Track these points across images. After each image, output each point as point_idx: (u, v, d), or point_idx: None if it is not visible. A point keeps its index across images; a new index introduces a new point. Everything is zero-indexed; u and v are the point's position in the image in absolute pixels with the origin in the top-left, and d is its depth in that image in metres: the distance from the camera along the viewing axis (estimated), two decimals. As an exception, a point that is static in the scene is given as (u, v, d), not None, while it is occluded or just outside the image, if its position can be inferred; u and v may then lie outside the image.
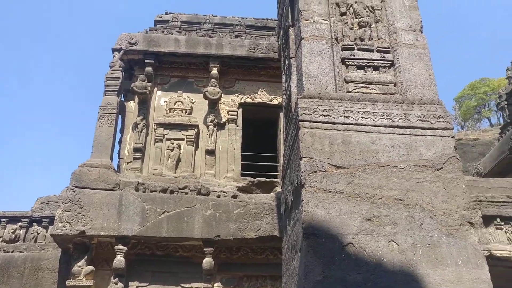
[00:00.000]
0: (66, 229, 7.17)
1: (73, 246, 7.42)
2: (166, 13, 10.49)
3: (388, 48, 5.30)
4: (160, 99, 9.32)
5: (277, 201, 7.62)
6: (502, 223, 6.40)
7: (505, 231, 6.42)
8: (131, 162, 8.63)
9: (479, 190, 6.66)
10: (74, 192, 7.47)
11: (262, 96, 9.47)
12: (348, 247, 4.00)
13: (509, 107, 15.02)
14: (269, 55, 9.35)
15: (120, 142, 8.98)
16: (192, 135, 8.86)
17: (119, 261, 7.33)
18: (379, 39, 5.38)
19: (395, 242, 4.07)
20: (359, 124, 4.70)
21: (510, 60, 15.88)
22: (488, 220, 6.32)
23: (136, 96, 9.08)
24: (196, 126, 8.97)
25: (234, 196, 7.87)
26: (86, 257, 7.38)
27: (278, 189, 8.14)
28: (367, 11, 5.56)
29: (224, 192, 7.96)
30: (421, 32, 5.47)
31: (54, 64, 52.70)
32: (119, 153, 8.91)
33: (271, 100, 9.42)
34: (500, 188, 6.81)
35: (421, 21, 5.55)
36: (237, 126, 9.24)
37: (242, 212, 7.68)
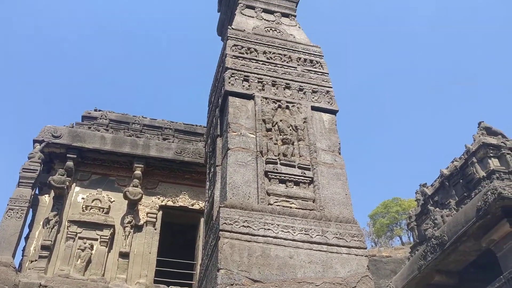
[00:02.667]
0: None
1: None
2: (95, 110, 10.49)
3: (309, 165, 5.58)
4: (78, 195, 8.96)
5: (190, 312, 7.27)
6: None
7: None
8: (36, 261, 7.99)
9: (391, 309, 6.79)
10: (-37, 292, 6.71)
11: (184, 200, 9.40)
12: None
13: (418, 228, 15.92)
14: (195, 159, 9.46)
15: (26, 238, 8.35)
16: (107, 236, 8.46)
17: None
18: (300, 156, 5.68)
19: None
20: (278, 238, 4.76)
21: (419, 184, 17.12)
22: None
23: (52, 191, 8.67)
24: (112, 226, 8.61)
25: (145, 305, 7.42)
26: None
27: (193, 299, 7.81)
28: (290, 130, 5.91)
29: (134, 299, 7.49)
30: (339, 154, 5.86)
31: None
32: (23, 250, 8.24)
33: (192, 205, 9.36)
34: (410, 308, 7.00)
35: (339, 143, 5.96)
36: (155, 230, 8.98)
37: (151, 323, 7.20)
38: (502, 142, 13.78)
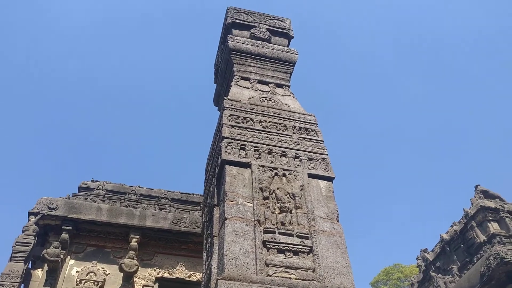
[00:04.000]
0: None
1: None
2: (92, 181, 10.49)
3: (307, 234, 5.51)
4: (72, 268, 8.75)
5: None
6: None
7: None
8: None
9: None
10: None
11: (180, 272, 9.19)
12: None
13: (421, 295, 15.49)
14: (192, 229, 9.35)
15: (16, 316, 8.05)
16: (101, 311, 8.18)
17: None
18: (299, 224, 5.62)
19: None
20: (278, 311, 4.61)
21: (419, 249, 16.88)
22: None
23: (45, 264, 8.48)
24: (107, 300, 8.36)
25: None
26: None
27: None
28: (288, 197, 5.89)
29: None
30: (338, 221, 5.81)
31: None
32: (13, 329, 7.92)
33: (189, 276, 9.15)
34: None
35: (337, 211, 5.93)
36: (152, 303, 8.71)
37: None
38: (500, 206, 13.76)
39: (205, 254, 6.56)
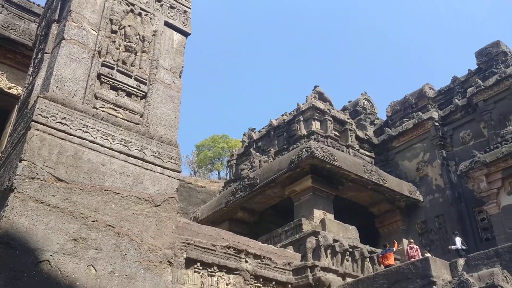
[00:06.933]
0: None
1: None
2: None
3: (146, 80, 5.43)
4: None
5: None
6: (201, 268, 6.99)
7: (201, 275, 7.02)
8: None
9: (190, 233, 7.17)
10: None
11: (1, 81, 8.43)
12: (43, 264, 3.77)
13: (237, 167, 16.90)
14: (24, 40, 8.48)
15: None
16: None
17: None
18: (140, 68, 5.48)
19: (94, 267, 4.02)
20: (95, 143, 4.60)
21: (248, 127, 18.03)
22: (190, 263, 6.81)
23: None
24: None
25: None
26: None
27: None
28: (137, 39, 5.64)
29: None
30: (180, 77, 5.81)
31: None
32: None
33: (9, 88, 8.46)
34: (208, 235, 7.48)
35: (182, 67, 5.90)
36: (-41, 105, 7.95)
37: None
38: (328, 109, 15.15)
39: (31, 69, 6.08)
